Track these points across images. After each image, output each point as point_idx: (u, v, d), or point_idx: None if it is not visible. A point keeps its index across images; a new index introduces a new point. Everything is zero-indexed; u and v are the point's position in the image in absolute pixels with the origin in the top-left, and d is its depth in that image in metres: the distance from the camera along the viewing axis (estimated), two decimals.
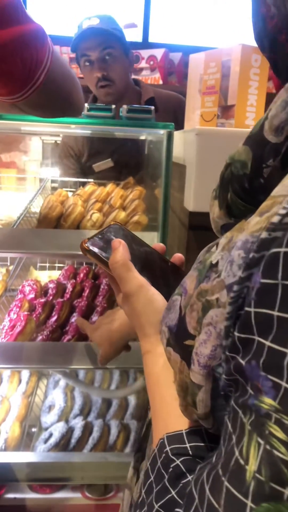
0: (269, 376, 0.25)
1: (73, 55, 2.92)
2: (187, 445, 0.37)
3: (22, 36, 0.67)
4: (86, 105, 1.19)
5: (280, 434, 0.24)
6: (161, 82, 2.73)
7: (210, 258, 0.34)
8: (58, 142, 2.33)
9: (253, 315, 0.27)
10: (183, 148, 1.13)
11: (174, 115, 1.82)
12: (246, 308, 0.27)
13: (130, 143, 1.83)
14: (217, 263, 0.32)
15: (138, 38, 2.82)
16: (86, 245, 0.54)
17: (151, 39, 2.83)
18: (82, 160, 1.91)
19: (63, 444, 1.25)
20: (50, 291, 1.40)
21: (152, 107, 1.21)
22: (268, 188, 0.32)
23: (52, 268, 1.71)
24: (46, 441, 1.26)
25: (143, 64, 2.75)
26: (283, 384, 0.24)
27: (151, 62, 2.75)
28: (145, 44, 2.82)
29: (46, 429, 1.31)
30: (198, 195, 1.01)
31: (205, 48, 1.22)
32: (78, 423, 1.29)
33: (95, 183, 1.53)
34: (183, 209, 1.11)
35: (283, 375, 0.24)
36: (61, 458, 1.19)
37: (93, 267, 1.56)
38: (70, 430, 1.28)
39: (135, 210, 1.25)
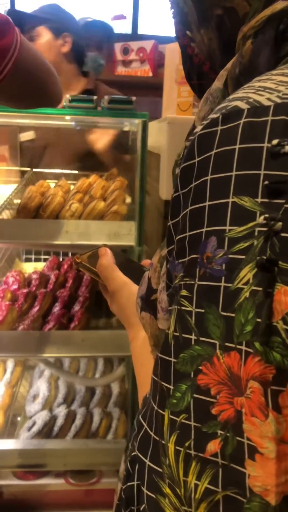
0: (180, 260, 0.28)
1: None
2: None
3: None
4: (67, 96, 1.19)
5: (184, 292, 0.27)
6: (150, 74, 2.73)
7: None
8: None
9: (172, 227, 0.31)
10: (159, 138, 1.14)
11: None
12: (168, 223, 0.31)
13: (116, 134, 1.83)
14: None
15: (128, 30, 2.82)
16: (77, 259, 0.62)
17: (141, 31, 2.83)
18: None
19: (46, 431, 1.26)
20: (33, 282, 1.41)
21: (134, 98, 1.22)
22: None
23: (38, 260, 1.73)
24: (29, 429, 1.28)
25: (132, 56, 2.74)
26: (186, 259, 0.28)
27: (141, 54, 2.74)
28: (135, 36, 2.82)
29: (30, 417, 1.33)
30: (171, 183, 1.01)
31: None
32: (61, 412, 1.31)
33: (78, 175, 1.54)
34: (160, 198, 1.12)
35: (186, 254, 0.28)
36: (43, 445, 1.21)
37: None
38: (53, 418, 1.30)
39: (114, 201, 1.26)
